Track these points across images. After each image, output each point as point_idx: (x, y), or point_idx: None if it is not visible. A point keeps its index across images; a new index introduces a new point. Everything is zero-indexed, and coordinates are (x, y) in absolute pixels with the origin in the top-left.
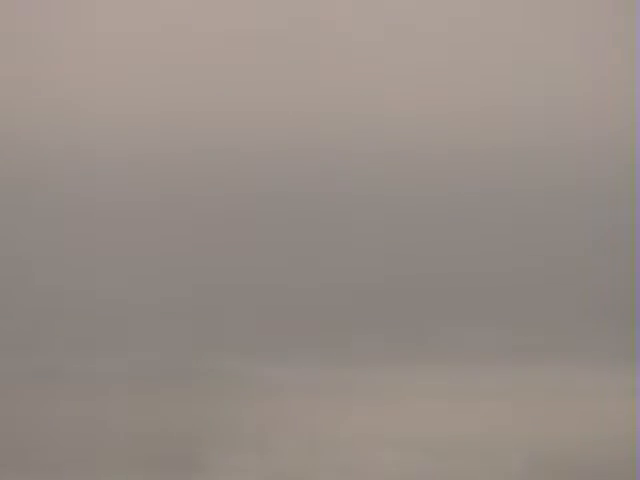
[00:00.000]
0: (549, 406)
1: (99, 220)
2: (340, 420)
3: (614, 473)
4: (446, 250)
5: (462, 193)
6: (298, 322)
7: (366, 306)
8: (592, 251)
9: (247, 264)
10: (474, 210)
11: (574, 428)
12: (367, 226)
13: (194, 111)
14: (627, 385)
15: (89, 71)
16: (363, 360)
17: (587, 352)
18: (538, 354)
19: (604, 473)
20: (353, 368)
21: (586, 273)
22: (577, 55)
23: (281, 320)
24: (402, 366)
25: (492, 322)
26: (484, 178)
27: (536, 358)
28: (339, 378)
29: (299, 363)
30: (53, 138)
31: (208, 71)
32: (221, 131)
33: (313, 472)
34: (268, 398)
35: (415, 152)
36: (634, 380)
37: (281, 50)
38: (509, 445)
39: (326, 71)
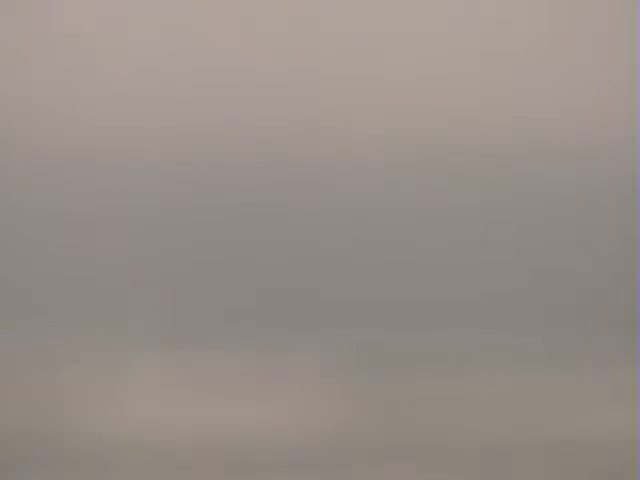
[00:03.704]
0: (548, 408)
1: (98, 229)
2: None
3: (614, 474)
4: (446, 252)
5: (463, 199)
6: (298, 327)
7: (367, 312)
8: (592, 251)
9: (247, 274)
10: (475, 215)
11: (574, 429)
12: (366, 235)
13: (193, 119)
14: (627, 385)
15: (92, 78)
16: (365, 363)
17: (587, 353)
18: (537, 357)
19: (604, 474)
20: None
21: (586, 275)
22: (577, 57)
23: (279, 326)
24: (405, 371)
25: (492, 324)
26: (484, 184)
27: (535, 361)
28: (338, 381)
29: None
30: (52, 146)
31: (209, 81)
32: (221, 140)
33: None
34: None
35: (415, 160)
36: (634, 380)
37: (280, 57)
38: (509, 447)
39: (325, 77)
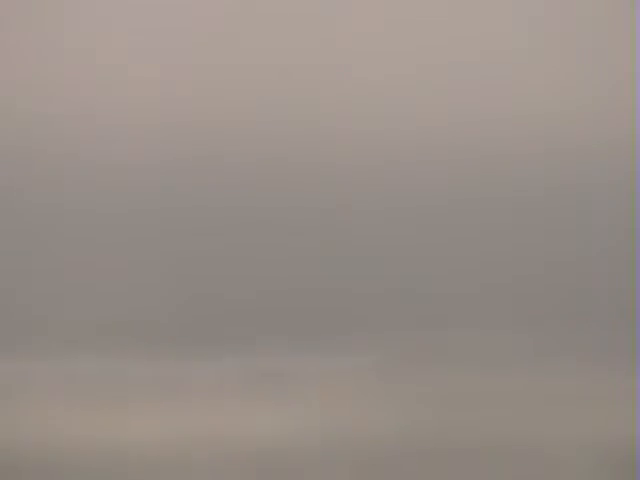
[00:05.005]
0: (547, 409)
1: (96, 227)
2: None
3: (614, 475)
4: (446, 251)
5: (463, 200)
6: (299, 328)
7: (370, 311)
8: (592, 250)
9: (246, 273)
10: (475, 216)
11: (573, 429)
12: (368, 235)
13: (195, 118)
14: (627, 385)
15: (88, 76)
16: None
17: (586, 353)
18: (537, 356)
19: (604, 474)
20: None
21: (586, 274)
22: (577, 59)
23: (279, 326)
24: (411, 370)
25: (491, 324)
26: (484, 184)
27: (534, 360)
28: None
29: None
30: (51, 143)
31: (208, 77)
32: (223, 138)
33: None
34: None
35: (414, 160)
36: (634, 380)
37: (280, 57)
38: (510, 451)
39: (326, 79)
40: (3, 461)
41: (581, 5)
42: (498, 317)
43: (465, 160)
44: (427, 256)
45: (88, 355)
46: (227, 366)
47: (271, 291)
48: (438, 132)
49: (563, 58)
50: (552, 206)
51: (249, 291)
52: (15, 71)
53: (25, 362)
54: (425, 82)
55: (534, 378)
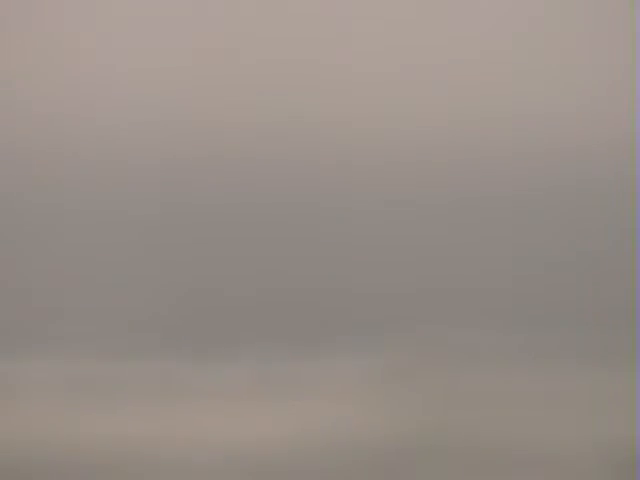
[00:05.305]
0: (547, 408)
1: (96, 227)
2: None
3: (614, 475)
4: (446, 251)
5: (462, 199)
6: (299, 330)
7: (370, 311)
8: (592, 252)
9: (246, 275)
10: (475, 215)
11: (573, 430)
12: (367, 234)
13: (194, 118)
14: (627, 385)
15: (88, 76)
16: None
17: (586, 354)
18: (536, 355)
19: (604, 474)
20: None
21: (587, 274)
22: (577, 59)
23: (280, 328)
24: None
25: (492, 323)
26: (484, 183)
27: (534, 360)
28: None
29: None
30: (51, 143)
31: (207, 76)
32: (223, 138)
33: None
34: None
35: (414, 159)
36: (634, 380)
37: (280, 56)
38: (508, 449)
39: (326, 77)
40: (3, 461)
41: (581, 5)
42: (498, 317)
43: (465, 160)
44: (427, 256)
45: (88, 355)
46: (227, 368)
47: (272, 294)
48: (438, 132)
49: (563, 58)
50: (552, 206)
51: (250, 294)
52: (15, 71)
53: (25, 362)
54: (425, 82)
55: (534, 378)
